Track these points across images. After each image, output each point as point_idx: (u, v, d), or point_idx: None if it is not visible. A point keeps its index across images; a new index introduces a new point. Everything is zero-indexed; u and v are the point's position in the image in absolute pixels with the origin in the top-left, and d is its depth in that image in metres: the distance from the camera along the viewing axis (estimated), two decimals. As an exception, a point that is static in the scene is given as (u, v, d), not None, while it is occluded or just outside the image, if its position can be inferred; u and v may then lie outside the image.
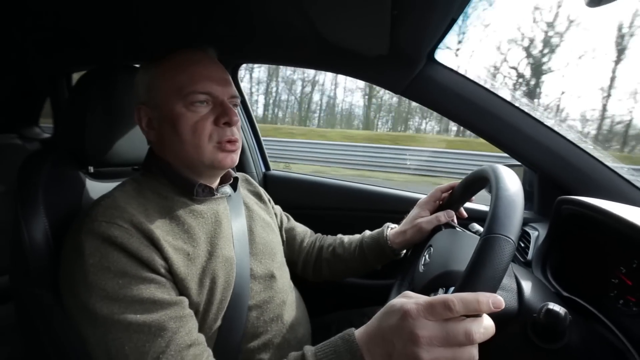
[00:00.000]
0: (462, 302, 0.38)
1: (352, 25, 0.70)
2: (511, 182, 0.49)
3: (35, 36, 1.07)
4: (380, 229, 0.85)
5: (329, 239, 0.92)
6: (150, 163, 0.67)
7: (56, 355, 0.63)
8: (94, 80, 0.70)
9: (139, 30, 0.94)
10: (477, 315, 0.38)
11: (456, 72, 0.83)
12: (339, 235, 0.92)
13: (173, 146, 0.63)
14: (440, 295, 0.39)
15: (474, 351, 0.38)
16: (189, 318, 0.55)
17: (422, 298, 0.41)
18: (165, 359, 0.49)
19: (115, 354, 0.49)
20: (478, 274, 0.41)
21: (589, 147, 0.81)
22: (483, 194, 0.84)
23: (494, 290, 0.40)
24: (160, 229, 0.57)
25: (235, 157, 0.65)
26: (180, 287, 0.56)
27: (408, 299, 0.41)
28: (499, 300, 0.38)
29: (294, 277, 0.82)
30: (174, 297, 0.55)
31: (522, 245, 0.82)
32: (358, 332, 0.43)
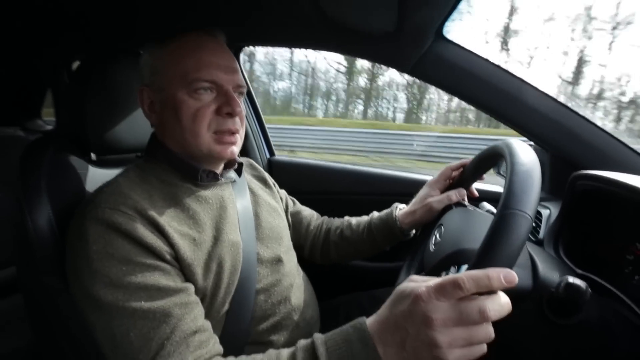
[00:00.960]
0: (472, 279, 0.36)
1: (358, 1, 0.68)
2: (527, 155, 0.48)
3: (36, 24, 1.05)
4: (388, 209, 0.84)
5: (336, 221, 0.91)
6: (153, 149, 0.66)
7: (67, 341, 0.63)
8: (94, 66, 0.69)
9: (139, 13, 0.91)
10: (492, 292, 0.37)
11: (465, 49, 0.81)
12: (347, 218, 0.91)
13: (173, 132, 0.62)
14: (450, 275, 0.38)
15: (490, 329, 0.37)
16: (195, 305, 0.55)
17: (431, 280, 0.39)
18: (170, 345, 0.49)
19: (121, 340, 0.49)
20: (493, 251, 0.40)
21: (602, 122, 0.79)
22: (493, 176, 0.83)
23: (509, 267, 0.39)
24: (165, 215, 0.57)
25: (236, 149, 0.64)
26: (187, 273, 0.56)
27: (417, 283, 0.40)
28: (511, 275, 0.37)
29: (302, 261, 0.82)
30: (179, 284, 0.54)
31: (534, 224, 0.81)
32: (369, 321, 0.42)
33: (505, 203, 0.42)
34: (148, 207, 0.55)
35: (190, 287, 0.56)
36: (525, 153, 0.49)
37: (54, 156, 0.65)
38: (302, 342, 0.46)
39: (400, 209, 0.82)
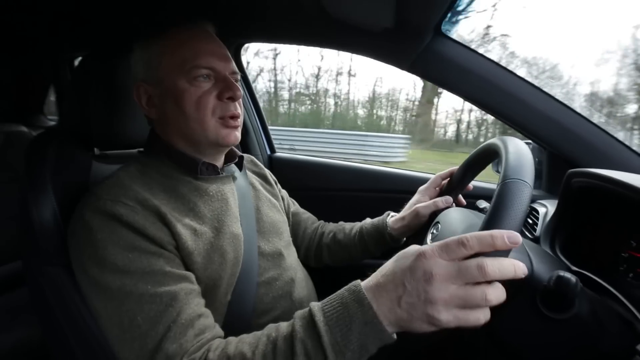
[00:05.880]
0: (475, 237, 0.38)
1: None
2: (518, 143, 0.51)
3: (38, 21, 1.06)
4: (381, 216, 0.85)
5: (331, 225, 0.93)
6: (152, 144, 0.67)
7: (72, 331, 0.64)
8: (96, 61, 0.69)
9: (139, 9, 0.92)
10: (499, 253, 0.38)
11: (464, 46, 0.81)
12: (341, 222, 0.92)
13: (177, 122, 0.63)
14: (454, 236, 0.39)
15: (489, 290, 0.38)
16: (197, 292, 0.56)
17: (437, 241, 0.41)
18: (177, 327, 0.49)
19: (129, 325, 0.50)
20: (500, 216, 0.42)
21: (600, 120, 0.79)
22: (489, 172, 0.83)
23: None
24: (166, 205, 0.58)
25: (238, 134, 0.65)
26: (188, 262, 0.57)
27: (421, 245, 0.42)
28: (514, 235, 0.38)
29: None
30: (182, 271, 0.56)
31: (530, 221, 0.82)
32: (366, 282, 0.43)
33: (505, 174, 0.45)
34: (149, 197, 0.56)
35: (192, 276, 0.57)
36: (515, 141, 0.52)
37: (58, 150, 0.66)
38: (300, 312, 0.46)
39: (392, 216, 0.84)
